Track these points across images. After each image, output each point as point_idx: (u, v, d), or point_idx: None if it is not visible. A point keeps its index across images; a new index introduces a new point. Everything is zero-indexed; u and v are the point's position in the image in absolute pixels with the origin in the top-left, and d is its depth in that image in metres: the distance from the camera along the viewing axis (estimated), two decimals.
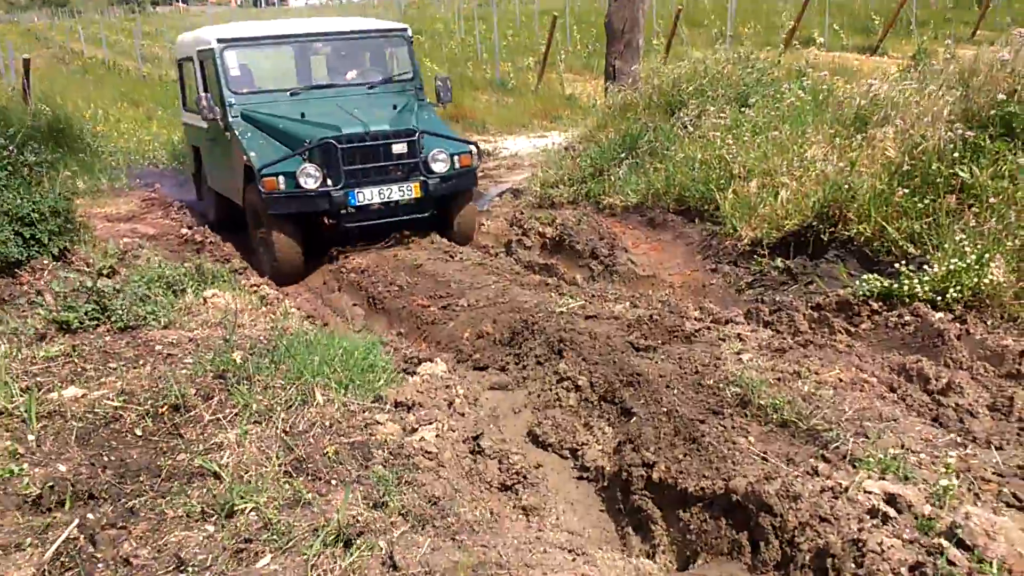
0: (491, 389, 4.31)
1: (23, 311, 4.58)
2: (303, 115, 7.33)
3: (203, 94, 7.65)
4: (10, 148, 6.36)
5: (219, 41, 7.74)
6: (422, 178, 7.22)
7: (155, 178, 12.05)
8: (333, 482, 2.66)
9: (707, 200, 7.01)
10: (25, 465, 2.57)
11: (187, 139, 10.40)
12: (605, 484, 3.42)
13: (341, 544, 2.17)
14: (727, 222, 6.53)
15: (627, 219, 7.65)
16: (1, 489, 2.45)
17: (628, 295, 5.63)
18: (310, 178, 6.83)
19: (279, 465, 2.67)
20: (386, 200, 7.13)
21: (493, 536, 2.35)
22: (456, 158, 7.41)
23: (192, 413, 2.96)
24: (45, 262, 5.84)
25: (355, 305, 6.45)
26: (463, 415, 3.40)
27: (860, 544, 2.26)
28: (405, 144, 7.11)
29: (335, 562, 2.08)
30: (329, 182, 6.90)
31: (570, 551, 2.34)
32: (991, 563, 2.12)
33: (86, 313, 4.15)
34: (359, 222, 7.30)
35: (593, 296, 5.53)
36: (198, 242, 8.61)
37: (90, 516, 2.42)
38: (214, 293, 5.08)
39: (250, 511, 2.37)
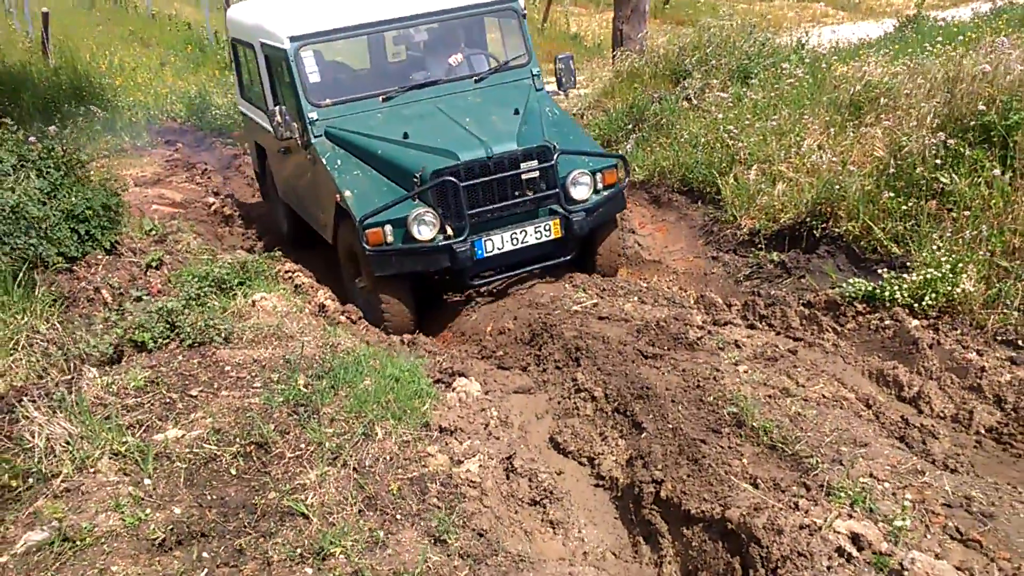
0: (515, 393, 4.88)
1: (91, 323, 5.09)
2: (406, 135, 5.91)
3: (276, 108, 6.18)
4: (64, 148, 6.79)
5: (292, 40, 6.28)
6: (562, 212, 5.89)
7: (175, 136, 12.42)
8: (398, 517, 3.25)
9: (709, 183, 7.46)
10: (148, 510, 3.14)
11: (246, 132, 9.28)
12: (619, 494, 4.02)
13: None
14: (728, 209, 7.01)
15: (633, 195, 8.10)
16: (134, 535, 3.02)
17: (636, 289, 6.15)
18: (425, 227, 5.57)
19: (353, 504, 3.24)
20: (519, 246, 5.82)
21: (534, 571, 2.94)
22: (599, 176, 6.06)
23: (275, 451, 3.52)
24: (99, 256, 6.33)
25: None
26: (498, 439, 3.97)
27: None
28: (538, 168, 5.76)
29: None
30: (448, 229, 5.66)
31: None
32: None
33: (160, 333, 4.69)
34: (486, 279, 6.09)
35: (604, 290, 6.06)
36: (226, 215, 9.09)
37: (204, 555, 3.01)
38: (262, 296, 5.60)
39: (339, 554, 2.95)
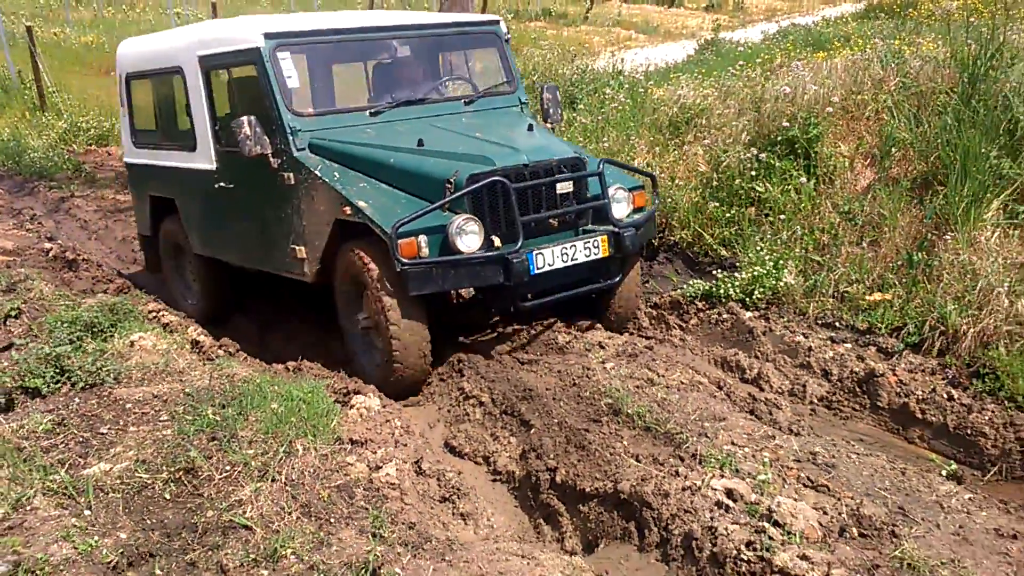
0: (407, 406, 5.24)
1: None
2: (421, 143, 5.33)
3: (245, 119, 5.31)
4: None
5: (268, 37, 5.51)
6: (611, 228, 5.38)
7: None
8: (332, 520, 3.55)
9: None
10: (96, 538, 3.30)
11: (138, 188, 7.81)
12: (516, 485, 4.46)
13: (371, 575, 3.08)
14: None
15: None
16: (88, 560, 3.19)
17: None
18: (470, 236, 4.91)
19: (291, 513, 3.52)
20: (569, 263, 5.23)
21: (467, 552, 3.32)
22: (629, 196, 5.66)
23: (203, 475, 3.74)
24: None
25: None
26: (405, 445, 4.32)
27: (713, 529, 3.39)
28: (572, 181, 5.29)
29: None
30: (494, 239, 5.06)
31: (522, 556, 3.35)
32: (795, 535, 3.30)
33: (51, 377, 4.74)
34: (538, 299, 5.38)
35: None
36: (69, 260, 8.90)
37: (158, 572, 3.21)
38: (140, 336, 5.69)
39: (291, 555, 3.23)
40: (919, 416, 4.54)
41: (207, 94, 6.21)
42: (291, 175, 5.51)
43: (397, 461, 4.07)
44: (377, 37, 6.15)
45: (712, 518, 3.47)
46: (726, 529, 3.37)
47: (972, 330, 4.72)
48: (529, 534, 4.17)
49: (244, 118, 5.30)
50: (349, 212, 5.08)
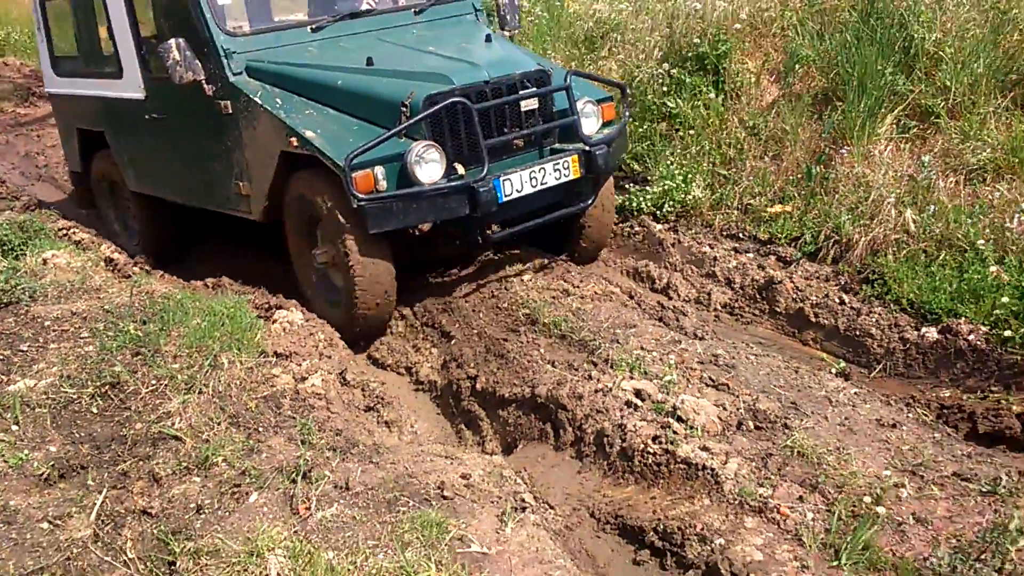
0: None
1: None
2: (370, 61, 4.88)
3: (173, 42, 4.79)
4: None
5: None
6: (580, 146, 5.00)
7: None
8: (261, 429, 3.68)
9: None
10: (26, 451, 3.37)
11: (63, 118, 7.18)
12: (438, 394, 4.64)
13: (301, 477, 3.23)
14: None
15: None
16: (20, 473, 3.26)
17: None
18: (431, 164, 4.50)
19: (220, 423, 3.64)
20: (539, 187, 4.84)
21: (394, 454, 3.50)
22: (598, 109, 5.25)
23: (130, 389, 3.81)
24: None
25: None
26: (330, 357, 4.45)
27: (623, 426, 3.64)
28: (537, 97, 4.90)
29: (307, 491, 3.16)
30: (458, 167, 4.67)
31: (446, 457, 3.55)
32: (697, 429, 3.57)
33: None
34: (502, 232, 5.00)
35: None
36: None
37: (90, 483, 3.31)
38: (53, 253, 5.62)
39: (222, 462, 3.36)
40: (813, 320, 4.86)
41: (129, 14, 5.62)
42: (228, 103, 5.01)
43: (322, 372, 4.20)
44: None
45: (622, 416, 3.72)
46: (635, 426, 3.62)
47: (863, 239, 5.02)
48: (451, 439, 4.38)
49: (171, 41, 4.79)
50: (296, 144, 4.63)
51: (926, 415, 3.83)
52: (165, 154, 5.86)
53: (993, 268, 4.42)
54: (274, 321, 4.75)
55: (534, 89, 4.89)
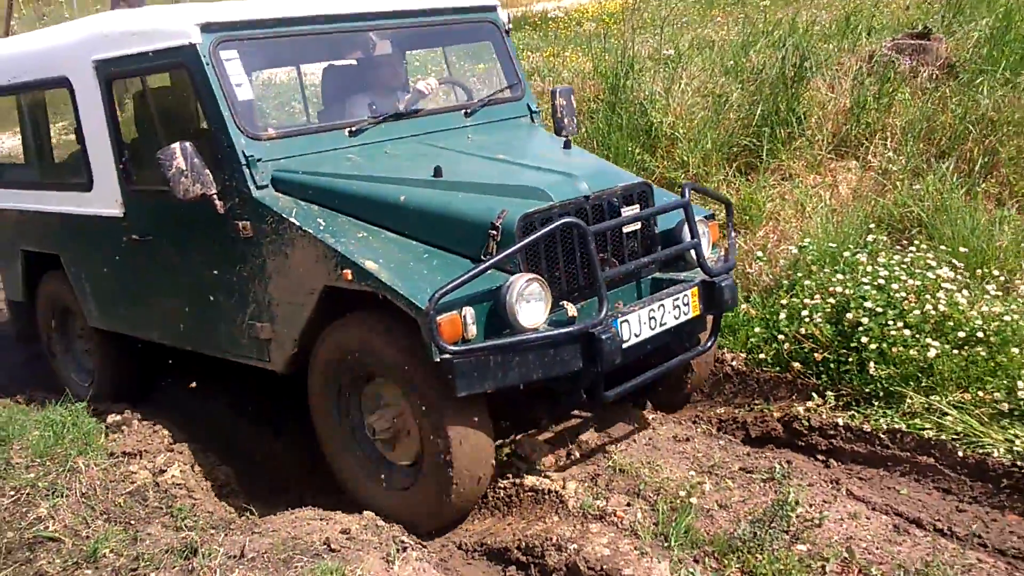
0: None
1: None
2: (438, 172, 3.97)
3: (178, 147, 3.87)
4: None
5: (207, 30, 4.02)
6: (698, 277, 4.14)
7: None
8: (134, 521, 3.89)
9: None
10: None
11: (8, 240, 5.85)
12: None
13: (194, 553, 3.49)
14: None
15: None
16: None
17: None
18: (536, 304, 3.55)
19: (94, 521, 3.80)
20: (657, 330, 3.94)
21: (271, 523, 3.81)
22: (707, 230, 4.43)
23: None
24: None
25: None
26: (181, 452, 4.67)
27: None
28: (639, 218, 4.07)
29: (203, 564, 3.42)
30: (567, 307, 3.77)
31: (320, 519, 3.90)
32: (535, 463, 4.16)
33: None
34: (622, 383, 3.95)
35: None
36: None
37: None
38: None
39: (109, 553, 3.54)
40: None
41: (109, 114, 4.66)
42: (247, 224, 4.06)
43: (179, 464, 4.42)
44: (351, 28, 4.61)
45: None
46: None
47: None
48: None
49: (176, 146, 3.87)
50: (351, 277, 3.63)
51: (710, 428, 4.64)
52: (148, 286, 4.84)
53: (744, 306, 5.41)
54: (113, 423, 4.89)
55: (641, 206, 4.09)
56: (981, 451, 3.83)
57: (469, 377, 3.43)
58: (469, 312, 3.44)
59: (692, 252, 4.10)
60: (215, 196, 4.01)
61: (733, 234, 4.44)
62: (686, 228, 4.12)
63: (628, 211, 4.00)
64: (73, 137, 5.05)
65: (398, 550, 3.52)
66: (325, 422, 4.12)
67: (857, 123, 6.82)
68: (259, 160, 4.02)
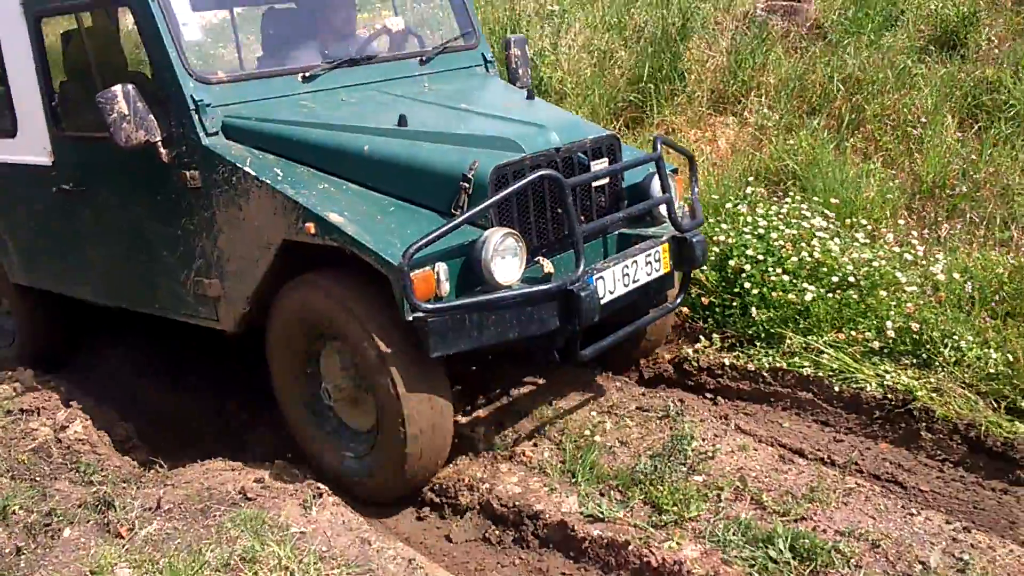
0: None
1: None
2: (403, 120, 3.76)
3: (120, 90, 3.57)
4: None
5: None
6: (668, 234, 4.04)
7: None
8: (40, 478, 3.84)
9: None
10: None
11: None
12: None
13: (108, 506, 3.49)
14: None
15: None
16: None
17: None
18: (511, 260, 3.42)
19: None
20: (631, 286, 3.84)
21: (183, 476, 3.84)
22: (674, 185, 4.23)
23: None
24: None
25: None
26: (81, 407, 4.60)
27: None
28: (612, 171, 3.95)
29: (120, 516, 3.43)
30: (543, 262, 3.64)
31: (232, 469, 3.95)
32: None
33: None
34: (596, 341, 3.86)
35: None
36: None
37: None
38: None
39: (20, 509, 3.50)
40: None
41: (37, 53, 4.31)
42: (196, 173, 3.80)
43: (81, 419, 4.37)
44: None
45: None
46: None
47: None
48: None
49: (118, 88, 3.57)
50: (314, 231, 3.42)
51: (607, 371, 4.88)
52: (79, 240, 4.54)
53: None
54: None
55: (609, 158, 3.99)
56: (855, 386, 4.19)
57: (443, 337, 3.27)
58: (442, 268, 3.28)
59: (662, 207, 4.00)
60: (159, 143, 3.76)
61: (696, 188, 4.34)
62: (654, 182, 4.06)
63: (598, 164, 3.87)
64: None
65: (314, 496, 3.62)
66: (283, 384, 3.95)
67: (734, 80, 7.14)
68: (208, 105, 3.76)
